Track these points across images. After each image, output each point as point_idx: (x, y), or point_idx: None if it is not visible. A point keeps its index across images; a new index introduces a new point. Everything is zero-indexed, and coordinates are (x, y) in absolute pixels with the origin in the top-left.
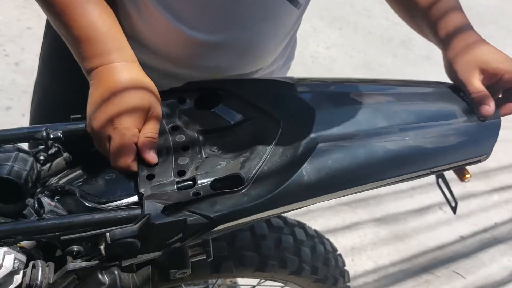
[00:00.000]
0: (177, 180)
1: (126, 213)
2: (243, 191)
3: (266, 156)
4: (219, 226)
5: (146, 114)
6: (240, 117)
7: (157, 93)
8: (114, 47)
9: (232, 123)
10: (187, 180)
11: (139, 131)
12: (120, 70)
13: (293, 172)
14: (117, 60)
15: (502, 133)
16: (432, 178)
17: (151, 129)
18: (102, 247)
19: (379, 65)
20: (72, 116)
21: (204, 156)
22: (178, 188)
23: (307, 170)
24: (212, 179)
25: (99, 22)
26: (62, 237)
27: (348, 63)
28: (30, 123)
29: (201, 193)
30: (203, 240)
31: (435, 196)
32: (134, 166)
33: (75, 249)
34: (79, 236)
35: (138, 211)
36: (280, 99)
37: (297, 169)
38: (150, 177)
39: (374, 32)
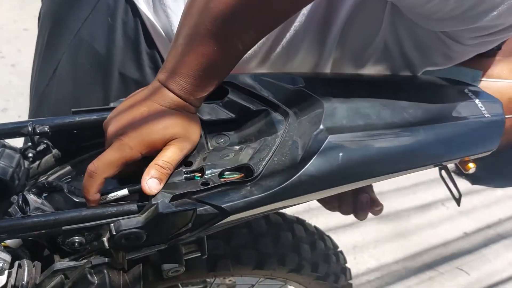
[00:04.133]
0: (184, 170)
1: (115, 209)
2: (254, 181)
3: (276, 148)
4: (230, 217)
5: (160, 145)
6: (247, 110)
7: (193, 135)
8: (197, 92)
9: (239, 115)
10: (195, 171)
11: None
12: (172, 102)
13: (304, 164)
14: (184, 98)
15: None
16: (434, 174)
17: (164, 157)
18: (105, 239)
19: None
20: (73, 110)
21: (210, 148)
22: (186, 178)
23: (318, 162)
24: (220, 169)
25: (216, 61)
26: (63, 227)
27: None
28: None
29: (210, 183)
30: (197, 237)
31: (438, 192)
32: (100, 181)
33: (77, 240)
34: (81, 226)
35: (128, 207)
36: (288, 92)
37: (308, 161)
38: None
39: None
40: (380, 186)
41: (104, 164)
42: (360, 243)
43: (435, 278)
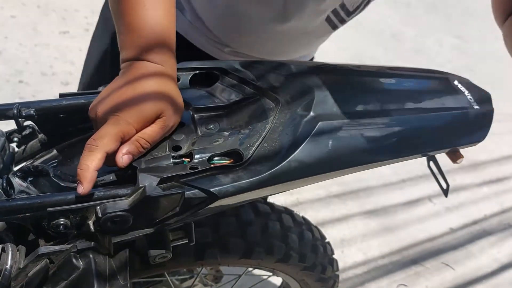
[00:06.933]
0: (172, 154)
1: (102, 192)
2: (243, 166)
3: (266, 134)
4: (218, 201)
5: (152, 120)
6: (237, 96)
7: (179, 107)
8: (159, 49)
9: (229, 101)
10: (183, 155)
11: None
12: (152, 70)
13: (294, 150)
14: (154, 61)
15: (492, 125)
16: (422, 170)
17: (145, 135)
18: (91, 222)
19: (370, 58)
20: (60, 93)
21: (199, 133)
22: (174, 163)
23: (308, 148)
24: (209, 154)
25: (155, 20)
26: (48, 209)
27: (339, 55)
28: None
29: (199, 167)
30: (185, 223)
31: (425, 188)
32: (101, 159)
33: (62, 222)
34: (66, 208)
35: (114, 190)
36: (279, 79)
37: (298, 147)
38: None
39: (365, 24)
40: (368, 182)
41: (104, 137)
42: (348, 237)
43: (420, 273)
